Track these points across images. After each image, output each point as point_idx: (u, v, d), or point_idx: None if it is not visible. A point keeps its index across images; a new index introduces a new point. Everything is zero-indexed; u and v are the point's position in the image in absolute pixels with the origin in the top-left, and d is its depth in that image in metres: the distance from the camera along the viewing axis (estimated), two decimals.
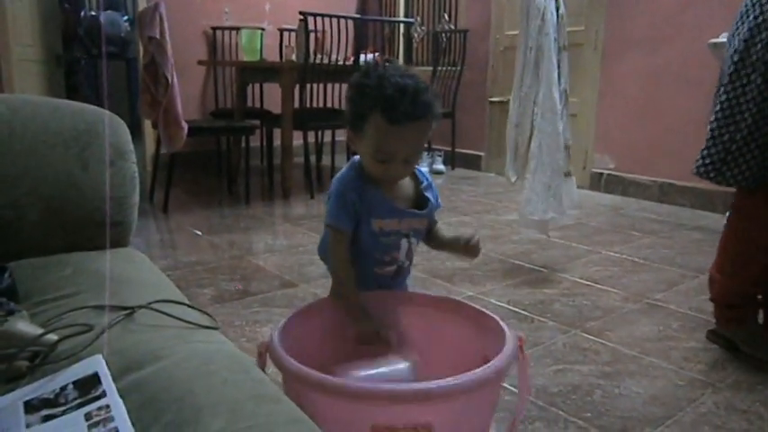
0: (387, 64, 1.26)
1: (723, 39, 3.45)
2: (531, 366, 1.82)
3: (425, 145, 1.28)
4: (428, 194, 1.35)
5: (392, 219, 1.28)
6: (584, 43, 4.45)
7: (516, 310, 2.27)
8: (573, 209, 2.82)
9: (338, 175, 1.32)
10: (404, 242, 1.32)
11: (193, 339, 0.92)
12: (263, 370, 1.11)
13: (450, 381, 0.96)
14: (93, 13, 6.32)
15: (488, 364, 1.01)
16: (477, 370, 1.00)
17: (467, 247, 1.33)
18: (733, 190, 1.95)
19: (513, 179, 2.80)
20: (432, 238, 1.41)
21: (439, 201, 1.38)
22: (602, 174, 4.47)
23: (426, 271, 2.63)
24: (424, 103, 1.19)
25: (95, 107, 1.45)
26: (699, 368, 1.83)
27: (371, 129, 1.20)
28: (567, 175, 2.74)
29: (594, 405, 1.62)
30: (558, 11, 2.58)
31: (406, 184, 1.34)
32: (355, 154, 1.30)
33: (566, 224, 3.30)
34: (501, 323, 1.19)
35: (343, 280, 1.30)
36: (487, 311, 1.26)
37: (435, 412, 1.00)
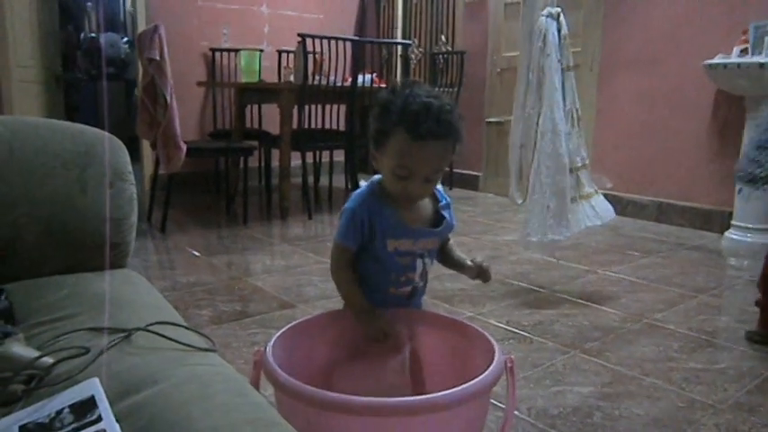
0: (413, 84, 1.27)
1: (718, 60, 3.49)
2: (530, 388, 1.81)
3: (447, 165, 1.29)
4: (445, 213, 1.35)
5: (407, 239, 1.28)
6: (580, 64, 4.48)
7: (515, 330, 2.26)
8: (603, 222, 2.79)
9: (356, 191, 1.33)
10: (419, 262, 1.32)
11: (191, 362, 0.91)
12: (258, 381, 1.12)
13: (418, 399, 0.99)
14: (93, 35, 6.37)
15: (459, 387, 1.00)
16: (447, 391, 0.99)
17: (480, 272, 1.36)
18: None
19: (519, 201, 2.78)
20: (444, 255, 1.41)
21: (454, 220, 1.38)
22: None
23: (426, 292, 2.62)
24: (448, 123, 1.20)
25: (95, 129, 1.45)
26: (700, 389, 1.82)
27: (394, 144, 1.20)
28: (585, 196, 2.71)
29: (595, 427, 1.61)
30: (559, 32, 2.60)
31: (425, 203, 1.34)
32: (360, 172, 1.31)
33: (563, 245, 3.30)
34: (492, 342, 1.18)
35: (345, 288, 1.31)
36: (480, 330, 1.26)
37: (410, 427, 1.00)
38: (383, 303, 1.32)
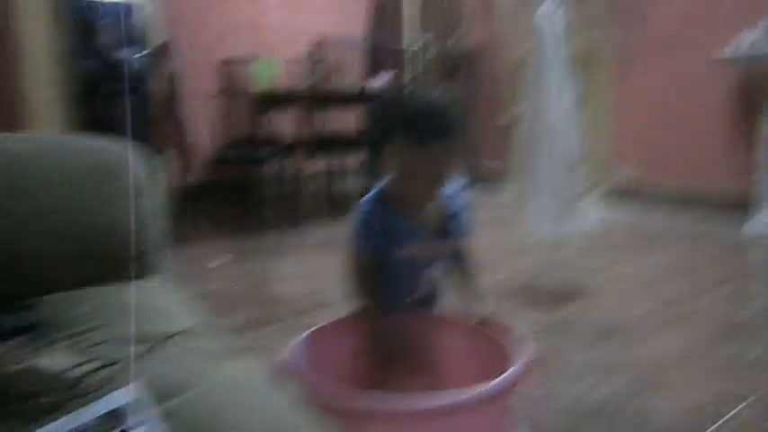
0: (416, 85, 1.26)
1: (736, 49, 3.44)
2: (559, 382, 1.80)
3: (454, 165, 1.26)
4: (454, 224, 1.32)
5: (415, 247, 1.28)
6: (597, 56, 4.45)
7: (542, 325, 2.25)
8: (594, 225, 2.77)
9: (365, 198, 1.32)
10: (428, 271, 1.32)
11: (220, 369, 0.91)
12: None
13: (422, 404, 0.98)
14: (110, 50, 6.44)
15: (486, 386, 1.00)
16: (474, 390, 0.99)
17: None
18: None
19: (518, 196, 2.75)
20: (456, 279, 1.39)
21: (471, 226, 1.37)
22: (621, 185, 4.43)
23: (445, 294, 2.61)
24: (450, 124, 1.18)
25: (117, 141, 1.47)
26: (730, 380, 1.79)
27: (397, 149, 1.20)
28: (585, 192, 2.69)
29: (626, 422, 1.59)
30: (561, 25, 2.58)
31: (433, 210, 1.31)
32: (377, 176, 1.30)
33: (581, 239, 3.27)
34: (517, 340, 1.17)
35: (366, 301, 1.30)
36: (504, 332, 1.24)
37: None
38: (394, 311, 1.31)
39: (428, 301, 1.37)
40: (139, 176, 1.42)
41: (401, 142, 1.19)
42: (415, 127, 1.17)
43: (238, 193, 4.95)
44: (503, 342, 1.20)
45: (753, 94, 3.57)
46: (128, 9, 6.49)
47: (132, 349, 0.96)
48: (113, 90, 6.15)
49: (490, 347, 1.24)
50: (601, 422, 1.59)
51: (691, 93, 3.96)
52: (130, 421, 0.76)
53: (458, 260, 1.39)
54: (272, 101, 4.52)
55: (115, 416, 0.78)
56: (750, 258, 3.14)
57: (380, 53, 4.82)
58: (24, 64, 3.79)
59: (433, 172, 1.20)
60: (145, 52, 5.89)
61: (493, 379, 1.02)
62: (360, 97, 4.18)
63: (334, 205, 4.70)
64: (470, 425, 1.04)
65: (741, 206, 3.68)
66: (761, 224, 3.43)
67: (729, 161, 3.82)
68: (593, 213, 2.72)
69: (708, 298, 2.49)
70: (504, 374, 1.04)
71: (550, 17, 2.53)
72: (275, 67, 4.76)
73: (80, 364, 0.91)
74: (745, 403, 1.66)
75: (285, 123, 5.07)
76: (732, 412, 1.61)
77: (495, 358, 1.20)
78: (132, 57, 6.25)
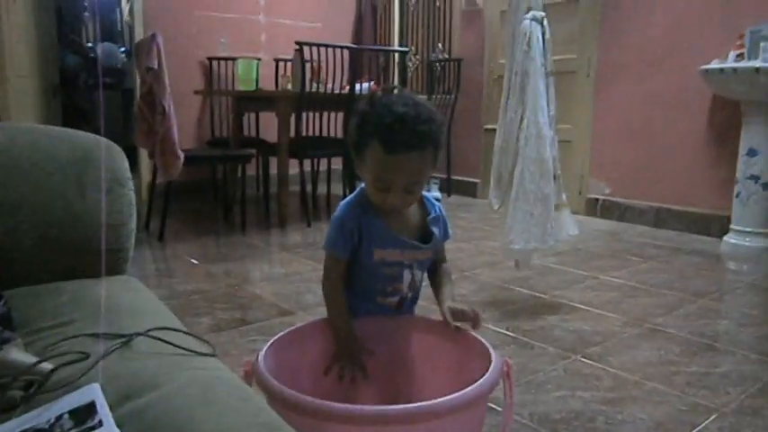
0: (394, 92, 1.25)
1: (714, 65, 3.50)
2: (531, 393, 1.80)
3: (428, 174, 1.26)
4: (434, 228, 1.32)
5: (394, 249, 1.27)
6: (577, 70, 4.50)
7: (516, 336, 2.25)
8: (566, 240, 2.76)
9: (345, 200, 1.32)
10: (406, 273, 1.31)
11: (192, 367, 0.90)
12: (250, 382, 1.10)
13: (409, 407, 0.97)
14: (91, 45, 6.38)
15: (457, 393, 0.99)
16: (446, 398, 0.98)
17: (465, 320, 1.29)
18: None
19: (495, 206, 2.71)
20: (434, 281, 1.39)
21: (449, 232, 1.37)
22: (597, 199, 4.48)
23: (424, 297, 2.60)
24: (423, 133, 1.17)
25: (92, 134, 1.45)
26: (702, 393, 1.81)
27: (371, 157, 1.19)
28: (559, 207, 2.67)
29: None
30: (543, 36, 2.58)
31: (413, 213, 1.32)
32: (358, 180, 1.30)
33: (562, 250, 3.30)
34: (489, 348, 1.17)
35: (334, 307, 1.30)
36: (477, 336, 1.24)
37: None
38: (370, 312, 1.32)
39: (406, 303, 1.36)
40: (115, 171, 1.40)
41: (372, 149, 1.18)
42: (384, 136, 1.16)
43: (218, 192, 4.92)
44: (479, 347, 1.19)
45: (732, 108, 3.63)
46: (112, 3, 6.44)
47: (104, 345, 0.94)
48: (93, 83, 6.09)
49: (467, 351, 1.24)
50: None
51: (671, 107, 4.01)
52: (99, 417, 0.75)
53: (436, 265, 1.39)
54: (254, 101, 4.50)
55: (84, 411, 0.76)
56: (726, 273, 3.19)
57: (364, 60, 4.82)
58: (3, 52, 3.73)
59: (399, 181, 1.18)
60: (127, 47, 5.85)
61: (468, 383, 1.02)
62: (342, 101, 4.18)
63: (315, 207, 4.68)
64: (446, 430, 1.03)
65: (720, 220, 3.74)
66: (738, 239, 3.48)
67: (709, 175, 3.88)
68: (569, 226, 2.72)
69: (682, 312, 2.52)
70: (483, 378, 1.04)
71: (532, 31, 2.53)
72: (258, 68, 4.74)
73: (49, 358, 0.90)
74: (715, 415, 1.68)
75: (267, 124, 5.06)
76: (702, 425, 1.63)
77: (472, 362, 1.20)
78: (114, 52, 6.20)
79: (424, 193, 1.34)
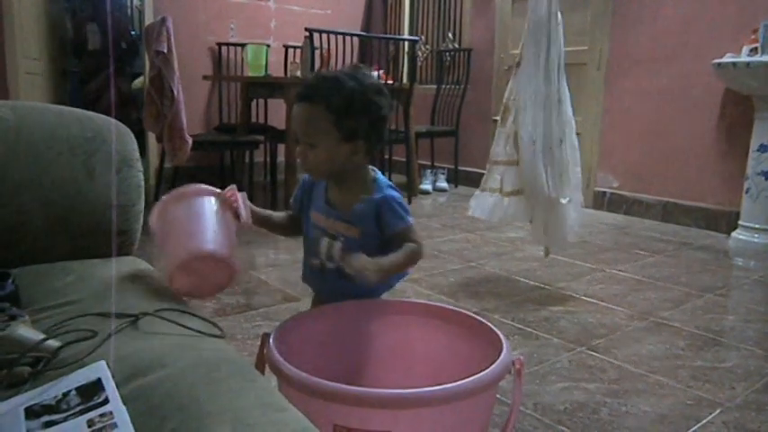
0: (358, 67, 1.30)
1: (727, 59, 3.47)
2: (536, 384, 1.80)
3: (322, 135, 1.22)
4: (366, 205, 1.27)
5: (321, 214, 1.33)
6: (587, 62, 4.47)
7: (521, 326, 2.25)
8: (578, 231, 2.78)
9: None
10: (324, 240, 1.30)
11: (198, 347, 0.90)
12: (263, 365, 1.11)
13: (409, 391, 0.97)
14: (100, 28, 6.36)
15: (458, 382, 0.98)
16: (444, 385, 0.97)
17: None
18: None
19: (564, 201, 2.64)
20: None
21: (398, 222, 1.26)
22: (605, 193, 4.46)
23: (430, 287, 2.61)
24: (317, 88, 1.22)
25: (102, 115, 1.45)
26: (707, 387, 1.81)
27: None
28: (571, 197, 2.66)
29: (601, 423, 1.60)
30: (556, 31, 2.57)
31: (355, 190, 1.29)
32: None
33: (564, 244, 3.28)
34: (503, 339, 1.16)
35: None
36: (492, 327, 1.23)
37: (395, 421, 0.98)
38: (304, 272, 1.40)
39: (328, 272, 1.31)
40: (124, 150, 1.40)
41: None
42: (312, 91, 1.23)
43: (225, 178, 4.92)
44: (493, 337, 1.19)
45: (744, 103, 3.60)
46: None
47: (112, 324, 0.94)
48: (101, 67, 6.08)
49: (475, 339, 1.24)
50: (575, 424, 1.60)
51: (682, 100, 3.98)
52: (105, 394, 0.75)
53: (385, 247, 1.27)
54: (263, 87, 4.49)
55: (90, 388, 0.77)
56: (734, 269, 3.17)
57: (374, 49, 4.79)
58: (13, 35, 3.73)
59: (295, 132, 1.26)
60: (136, 32, 5.83)
61: (474, 372, 1.02)
62: None
63: None
64: (453, 416, 1.03)
65: (728, 216, 3.72)
66: (747, 235, 3.46)
67: (719, 170, 3.85)
68: (577, 218, 2.72)
69: (688, 306, 2.51)
70: (490, 368, 1.03)
71: (544, 21, 2.52)
72: (268, 54, 4.73)
73: (57, 336, 0.90)
74: (720, 410, 1.67)
75: (275, 110, 5.05)
76: (707, 419, 1.63)
77: (479, 350, 1.20)
78: (124, 35, 6.18)
79: (383, 178, 1.32)
